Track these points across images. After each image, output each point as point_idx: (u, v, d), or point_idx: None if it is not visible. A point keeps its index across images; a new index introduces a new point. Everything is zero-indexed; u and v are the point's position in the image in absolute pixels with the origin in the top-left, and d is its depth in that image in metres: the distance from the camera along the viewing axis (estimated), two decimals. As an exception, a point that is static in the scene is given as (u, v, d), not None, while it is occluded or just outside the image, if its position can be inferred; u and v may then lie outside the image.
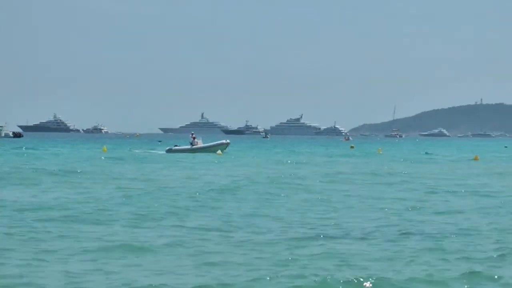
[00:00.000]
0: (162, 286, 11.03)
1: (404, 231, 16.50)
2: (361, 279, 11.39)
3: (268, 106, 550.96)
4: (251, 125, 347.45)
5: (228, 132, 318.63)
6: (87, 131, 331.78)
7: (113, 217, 18.66)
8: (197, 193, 25.34)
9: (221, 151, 65.54)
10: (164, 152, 67.29)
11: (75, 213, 19.17)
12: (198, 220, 18.29)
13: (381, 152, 77.03)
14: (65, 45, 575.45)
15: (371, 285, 11.21)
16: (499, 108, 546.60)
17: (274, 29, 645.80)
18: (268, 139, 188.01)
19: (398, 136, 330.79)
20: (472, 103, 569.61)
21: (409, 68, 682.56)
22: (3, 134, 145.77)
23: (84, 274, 11.84)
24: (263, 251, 13.95)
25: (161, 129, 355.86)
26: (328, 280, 11.41)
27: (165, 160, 52.76)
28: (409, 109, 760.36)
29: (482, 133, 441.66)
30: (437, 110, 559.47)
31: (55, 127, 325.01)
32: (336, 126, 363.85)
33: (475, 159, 60.92)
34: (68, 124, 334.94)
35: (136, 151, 74.71)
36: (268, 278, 11.53)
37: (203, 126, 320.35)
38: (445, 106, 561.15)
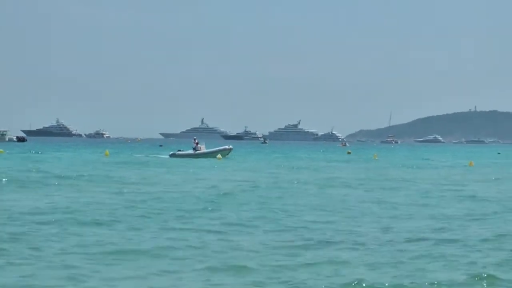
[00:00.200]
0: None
1: (400, 237, 16.44)
2: (359, 286, 11.36)
3: (266, 112, 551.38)
4: (250, 131, 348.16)
5: (227, 137, 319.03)
6: (89, 135, 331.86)
7: (120, 220, 18.67)
8: (201, 197, 25.33)
9: (224, 156, 65.55)
10: (168, 156, 67.39)
11: (81, 216, 19.15)
12: (201, 223, 18.26)
13: (376, 158, 77.10)
14: (68, 51, 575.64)
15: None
16: (493, 115, 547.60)
17: (273, 37, 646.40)
18: (267, 144, 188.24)
19: (393, 142, 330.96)
20: (466, 110, 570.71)
21: (404, 76, 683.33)
22: (7, 139, 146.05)
23: (87, 276, 11.85)
24: (262, 255, 13.91)
25: (162, 134, 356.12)
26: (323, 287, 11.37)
27: (169, 165, 52.78)
28: (404, 116, 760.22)
29: (476, 139, 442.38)
30: (432, 117, 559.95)
31: (58, 132, 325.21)
32: (333, 132, 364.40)
33: (470, 165, 60.98)
34: (71, 129, 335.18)
35: (138, 155, 74.77)
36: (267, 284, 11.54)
37: (203, 132, 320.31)
38: (440, 113, 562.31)
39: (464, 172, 49.11)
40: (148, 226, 17.78)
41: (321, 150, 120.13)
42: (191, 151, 66.01)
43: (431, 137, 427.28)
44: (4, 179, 32.53)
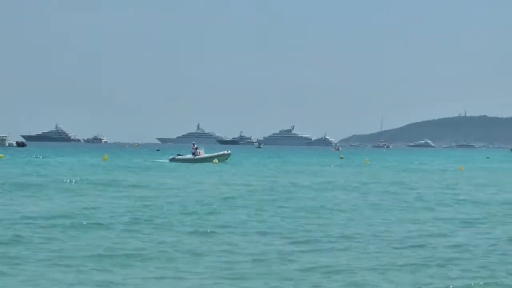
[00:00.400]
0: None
1: (393, 241, 16.51)
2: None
3: (261, 118, 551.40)
4: (245, 136, 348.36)
5: (223, 142, 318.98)
6: (87, 140, 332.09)
7: (122, 223, 18.76)
8: (202, 201, 25.44)
9: (223, 161, 65.61)
10: (168, 161, 67.47)
11: (82, 220, 19.19)
12: (202, 225, 18.40)
13: (368, 163, 77.23)
14: (67, 57, 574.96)
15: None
16: (482, 120, 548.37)
17: (266, 43, 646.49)
18: (262, 149, 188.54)
19: (385, 147, 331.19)
20: (456, 115, 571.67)
21: (396, 81, 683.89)
22: (7, 144, 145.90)
23: (90, 280, 11.93)
24: (259, 258, 13.98)
25: (159, 139, 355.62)
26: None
27: (169, 169, 52.93)
28: (396, 121, 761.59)
29: (466, 144, 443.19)
30: (423, 122, 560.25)
31: (57, 137, 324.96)
32: (327, 137, 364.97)
33: (460, 169, 61.24)
34: (69, 134, 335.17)
35: (136, 160, 74.78)
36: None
37: (199, 136, 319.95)
38: (431, 118, 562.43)
39: (455, 176, 49.35)
40: (149, 230, 17.84)
41: (314, 155, 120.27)
42: (190, 156, 66.06)
43: (422, 141, 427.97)
44: (6, 183, 32.65)
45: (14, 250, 14.33)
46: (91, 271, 12.48)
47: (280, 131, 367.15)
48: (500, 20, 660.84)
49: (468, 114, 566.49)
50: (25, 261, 13.29)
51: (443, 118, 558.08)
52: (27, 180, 36.07)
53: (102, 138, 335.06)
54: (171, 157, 69.41)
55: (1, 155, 73.02)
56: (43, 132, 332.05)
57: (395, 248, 15.42)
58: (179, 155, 68.61)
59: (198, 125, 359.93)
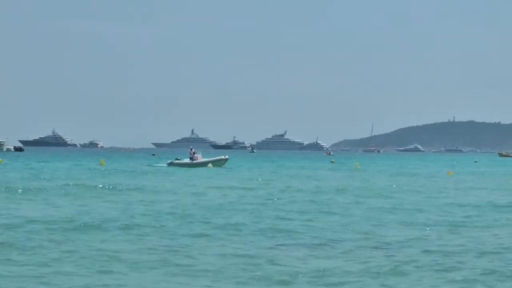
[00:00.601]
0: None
1: (384, 243, 16.58)
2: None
3: (254, 123, 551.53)
4: (238, 141, 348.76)
5: (216, 147, 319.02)
6: (83, 145, 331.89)
7: (125, 225, 18.88)
8: (202, 204, 25.57)
9: (220, 166, 65.73)
10: (166, 165, 67.65)
11: (82, 223, 19.28)
12: (203, 227, 18.55)
13: (359, 167, 77.37)
14: (65, 64, 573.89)
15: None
16: (470, 126, 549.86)
17: (259, 50, 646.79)
18: (255, 153, 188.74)
19: (376, 151, 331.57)
20: (445, 120, 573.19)
21: (386, 88, 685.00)
22: (5, 149, 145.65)
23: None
24: (252, 262, 13.99)
25: (154, 144, 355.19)
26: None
27: (168, 173, 53.10)
28: (386, 126, 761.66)
29: (454, 148, 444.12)
30: (413, 127, 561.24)
31: (54, 142, 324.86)
32: (318, 142, 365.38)
33: (449, 174, 61.44)
34: (66, 139, 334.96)
35: (132, 164, 74.77)
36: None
37: (194, 141, 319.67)
38: (420, 123, 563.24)
39: (444, 180, 49.56)
40: (147, 232, 17.93)
41: (306, 159, 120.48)
42: (188, 160, 66.23)
43: (412, 146, 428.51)
44: (5, 187, 32.72)
45: (12, 253, 14.35)
46: (89, 273, 12.50)
47: (272, 136, 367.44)
48: (488, 28, 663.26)
49: (456, 120, 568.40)
50: (22, 263, 13.31)
51: (432, 124, 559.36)
52: (26, 184, 36.05)
53: (98, 143, 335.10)
54: (169, 161, 69.51)
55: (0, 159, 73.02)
56: (40, 137, 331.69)
57: (384, 250, 15.47)
58: (177, 159, 68.73)
59: (193, 130, 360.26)
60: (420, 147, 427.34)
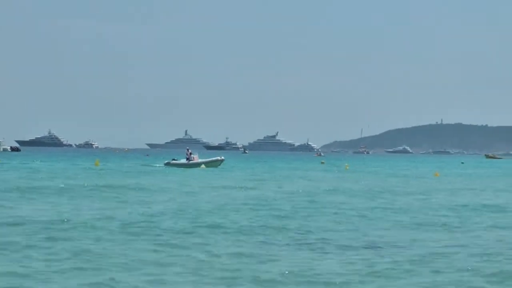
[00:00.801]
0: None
1: (374, 245, 16.55)
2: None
3: (246, 124, 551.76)
4: (231, 142, 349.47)
5: (209, 147, 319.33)
6: (79, 146, 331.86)
7: (127, 227, 18.88)
8: (200, 205, 25.47)
9: (216, 166, 65.77)
10: (163, 165, 67.67)
11: (76, 224, 19.32)
12: (203, 230, 18.56)
13: (348, 168, 77.50)
14: (59, 66, 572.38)
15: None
16: (458, 128, 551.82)
17: (251, 52, 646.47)
18: (247, 154, 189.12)
19: (365, 153, 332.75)
20: (433, 123, 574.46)
21: (376, 90, 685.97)
22: (1, 149, 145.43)
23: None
24: (255, 262, 14.01)
25: (148, 144, 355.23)
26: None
27: (165, 173, 52.99)
28: (375, 128, 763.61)
29: (442, 150, 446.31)
30: (401, 129, 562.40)
31: (50, 142, 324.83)
32: (309, 143, 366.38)
33: (436, 175, 61.56)
34: (62, 140, 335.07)
35: (127, 164, 74.71)
36: None
37: (187, 142, 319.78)
38: (409, 126, 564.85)
39: (431, 182, 49.68)
40: (144, 232, 17.89)
41: (297, 160, 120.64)
42: (184, 161, 66.22)
43: (401, 148, 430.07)
44: (2, 188, 32.64)
45: (10, 252, 14.30)
46: (84, 273, 12.44)
47: (264, 137, 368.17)
48: (488, 28, 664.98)
49: (444, 122, 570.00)
50: (20, 262, 13.25)
51: (420, 126, 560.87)
52: (24, 184, 35.98)
53: (93, 143, 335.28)
54: (166, 161, 69.59)
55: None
56: (36, 138, 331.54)
57: (375, 250, 15.50)
58: (174, 160, 68.85)
59: (186, 131, 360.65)
60: (408, 148, 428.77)
